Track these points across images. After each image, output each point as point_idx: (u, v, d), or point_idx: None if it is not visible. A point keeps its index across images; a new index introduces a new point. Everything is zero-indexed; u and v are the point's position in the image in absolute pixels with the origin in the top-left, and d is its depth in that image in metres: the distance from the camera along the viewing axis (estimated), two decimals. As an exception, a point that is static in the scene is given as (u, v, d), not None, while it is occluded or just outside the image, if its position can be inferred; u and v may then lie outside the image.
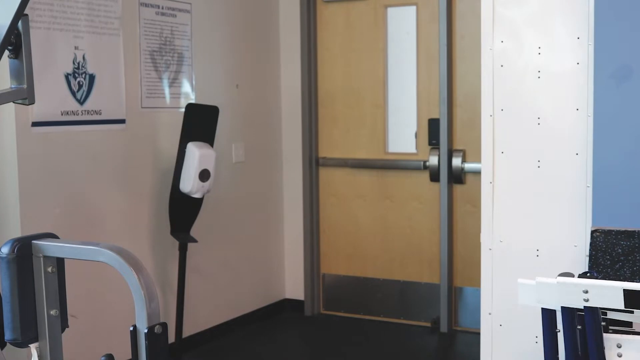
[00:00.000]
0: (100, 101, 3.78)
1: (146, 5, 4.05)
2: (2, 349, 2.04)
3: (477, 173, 4.26)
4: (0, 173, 3.41)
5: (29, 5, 1.63)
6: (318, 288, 5.20)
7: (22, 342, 1.59)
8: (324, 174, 5.15)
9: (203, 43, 4.44)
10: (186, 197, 4.02)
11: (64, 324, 1.65)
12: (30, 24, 1.73)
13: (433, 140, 4.76)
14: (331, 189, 5.15)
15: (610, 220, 2.59)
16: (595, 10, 2.60)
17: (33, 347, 1.61)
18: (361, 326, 4.96)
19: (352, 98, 5.08)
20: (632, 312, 1.82)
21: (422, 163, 4.79)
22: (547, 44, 2.72)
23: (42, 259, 1.58)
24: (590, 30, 2.62)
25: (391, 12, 4.91)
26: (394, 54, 4.93)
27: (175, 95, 4.27)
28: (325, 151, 5.13)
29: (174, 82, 4.26)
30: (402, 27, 4.90)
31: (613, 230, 2.54)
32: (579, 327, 1.91)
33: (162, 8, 4.15)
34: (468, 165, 4.62)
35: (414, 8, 4.81)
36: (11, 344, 1.61)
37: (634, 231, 2.50)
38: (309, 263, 5.16)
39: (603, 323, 1.91)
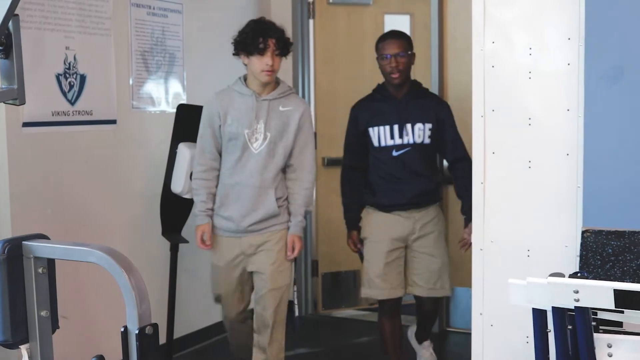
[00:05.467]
0: (91, 101, 3.77)
1: (137, 5, 4.04)
2: (-8, 350, 2.03)
3: (469, 173, 4.26)
4: (-10, 173, 3.40)
5: (20, 5, 1.62)
6: (313, 288, 5.20)
7: (12, 343, 1.59)
8: (322, 173, 5.15)
9: (194, 43, 4.43)
10: (177, 198, 4.01)
11: (55, 325, 1.64)
12: (21, 24, 1.72)
13: None
14: (330, 188, 5.14)
15: (601, 221, 2.59)
16: (585, 11, 2.60)
17: (23, 348, 1.60)
18: (354, 326, 4.96)
19: (347, 99, 5.08)
20: (623, 312, 1.83)
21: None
22: (538, 45, 2.73)
23: (32, 259, 1.57)
24: (580, 30, 2.63)
25: (388, 19, 5.11)
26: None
27: (167, 96, 4.26)
28: (322, 151, 5.14)
29: (165, 82, 4.25)
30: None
31: (603, 231, 2.54)
32: (570, 327, 1.91)
33: (154, 8, 4.14)
34: (459, 166, 4.61)
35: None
36: (1, 345, 1.61)
37: (624, 231, 2.51)
38: (301, 263, 5.16)
39: (593, 323, 1.91)
